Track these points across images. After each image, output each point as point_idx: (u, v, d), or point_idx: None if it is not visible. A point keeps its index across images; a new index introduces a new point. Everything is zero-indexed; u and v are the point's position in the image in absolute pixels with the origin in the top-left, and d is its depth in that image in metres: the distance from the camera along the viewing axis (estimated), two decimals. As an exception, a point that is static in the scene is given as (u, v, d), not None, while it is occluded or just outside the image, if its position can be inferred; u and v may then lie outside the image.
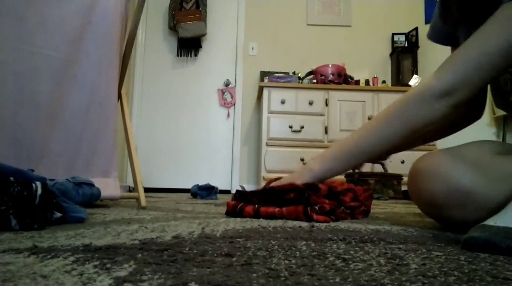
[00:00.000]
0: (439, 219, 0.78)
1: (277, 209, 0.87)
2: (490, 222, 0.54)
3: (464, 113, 0.88)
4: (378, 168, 2.90)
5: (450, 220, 0.72)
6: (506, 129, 3.27)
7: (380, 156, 0.84)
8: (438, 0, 0.91)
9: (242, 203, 0.94)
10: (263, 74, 3.62)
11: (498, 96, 0.84)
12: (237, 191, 1.00)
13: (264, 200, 0.92)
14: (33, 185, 0.64)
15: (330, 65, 3.39)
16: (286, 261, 0.41)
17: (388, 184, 2.73)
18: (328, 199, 0.90)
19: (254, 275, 0.34)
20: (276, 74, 3.47)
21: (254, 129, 3.77)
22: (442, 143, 3.35)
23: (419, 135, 0.78)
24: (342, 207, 0.93)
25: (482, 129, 3.29)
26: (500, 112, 3.14)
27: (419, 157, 0.76)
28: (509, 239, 0.49)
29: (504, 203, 0.60)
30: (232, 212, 0.94)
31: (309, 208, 0.84)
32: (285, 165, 3.16)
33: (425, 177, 0.71)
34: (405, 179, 2.72)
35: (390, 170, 2.80)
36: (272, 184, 0.95)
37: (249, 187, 3.61)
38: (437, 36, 0.93)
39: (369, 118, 3.22)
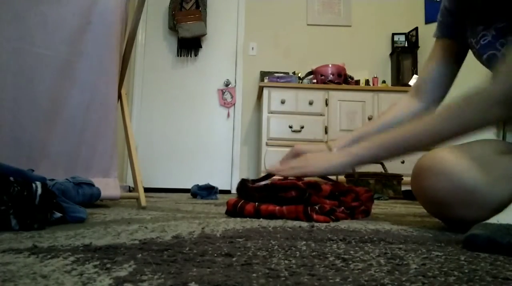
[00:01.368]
0: (442, 217, 0.78)
1: (277, 208, 0.87)
2: (493, 220, 0.54)
3: None
4: (378, 168, 2.90)
5: (453, 218, 0.72)
6: (506, 129, 3.27)
7: (422, 150, 0.81)
8: None
9: (242, 200, 0.94)
10: (263, 74, 3.61)
11: None
12: (241, 180, 0.99)
13: (265, 196, 0.92)
14: (33, 185, 0.64)
15: (330, 65, 3.39)
16: (286, 261, 0.41)
17: (388, 184, 2.72)
18: (329, 199, 0.90)
19: (254, 275, 0.34)
20: (276, 74, 3.47)
21: (254, 129, 3.77)
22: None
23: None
24: (342, 207, 0.93)
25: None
26: (500, 112, 3.14)
27: (420, 155, 0.76)
28: (510, 236, 0.49)
29: (507, 202, 0.61)
30: (232, 211, 0.94)
31: (309, 208, 0.84)
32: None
33: (429, 174, 0.71)
34: (405, 179, 2.72)
35: (390, 170, 2.80)
36: (301, 151, 0.91)
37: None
38: (442, 30, 0.92)
39: (369, 119, 3.22)
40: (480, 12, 0.80)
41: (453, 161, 0.69)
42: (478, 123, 0.71)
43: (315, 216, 0.83)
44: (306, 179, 0.90)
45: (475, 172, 0.67)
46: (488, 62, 0.82)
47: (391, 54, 3.82)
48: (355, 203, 0.99)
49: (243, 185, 0.97)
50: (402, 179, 2.75)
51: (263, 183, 0.97)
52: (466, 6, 0.83)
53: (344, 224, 0.81)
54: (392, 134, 0.82)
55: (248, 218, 0.88)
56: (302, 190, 0.85)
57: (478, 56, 0.85)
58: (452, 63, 0.94)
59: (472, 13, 0.82)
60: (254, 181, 1.01)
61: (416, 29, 3.68)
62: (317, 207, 0.84)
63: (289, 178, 0.92)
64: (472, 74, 0.95)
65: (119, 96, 1.43)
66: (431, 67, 0.96)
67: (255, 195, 0.93)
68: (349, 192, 1.00)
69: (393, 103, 1.03)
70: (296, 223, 0.79)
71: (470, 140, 0.79)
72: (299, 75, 3.51)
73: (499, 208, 0.59)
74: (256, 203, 0.91)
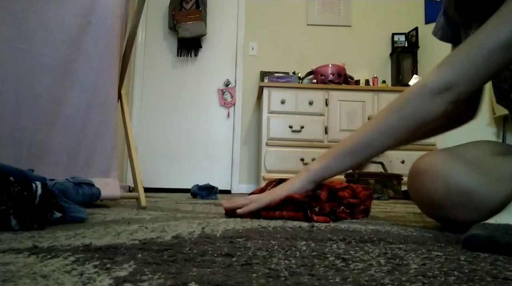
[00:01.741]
0: (439, 219, 0.78)
1: (277, 212, 0.87)
2: (491, 220, 0.54)
3: (459, 112, 0.88)
4: (378, 168, 2.90)
5: (450, 220, 0.72)
6: (506, 129, 3.27)
7: (379, 153, 0.84)
8: None
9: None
10: (263, 74, 3.62)
11: (499, 93, 0.84)
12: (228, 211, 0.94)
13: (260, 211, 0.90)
14: (33, 185, 0.64)
15: (330, 65, 3.39)
16: (286, 261, 0.41)
17: (388, 184, 2.73)
18: (328, 201, 0.89)
19: (254, 275, 0.34)
20: (276, 74, 3.47)
21: (254, 129, 3.77)
22: (442, 143, 3.36)
23: (419, 131, 0.77)
24: (342, 207, 0.93)
25: (482, 129, 3.29)
26: (500, 112, 3.14)
27: (419, 156, 0.76)
28: (509, 235, 0.49)
29: (504, 203, 0.60)
30: (231, 214, 0.94)
31: (308, 211, 0.84)
32: (285, 165, 3.16)
33: (425, 177, 0.71)
34: (405, 179, 2.72)
35: (390, 170, 2.81)
36: (271, 195, 0.89)
37: (248, 188, 3.61)
38: (441, 33, 0.93)
39: (369, 119, 3.22)
40: (472, 15, 0.80)
41: (448, 163, 0.69)
42: (425, 115, 0.72)
43: (315, 218, 0.83)
44: (278, 197, 0.87)
45: (471, 174, 0.67)
46: None
47: (391, 54, 3.82)
48: (354, 200, 0.98)
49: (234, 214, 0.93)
50: (402, 179, 2.75)
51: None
52: (459, 10, 0.83)
53: (344, 224, 0.81)
54: (344, 144, 0.84)
55: (248, 218, 0.88)
56: (300, 201, 0.84)
57: None
58: None
59: (465, 16, 0.82)
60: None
61: (416, 29, 3.68)
62: (316, 209, 0.84)
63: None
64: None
65: (119, 96, 1.43)
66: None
67: (249, 216, 0.91)
68: (345, 188, 0.99)
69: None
70: (296, 223, 0.79)
71: (465, 142, 0.79)
72: (299, 75, 3.51)
73: (496, 210, 0.59)
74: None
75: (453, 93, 0.69)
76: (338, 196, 0.93)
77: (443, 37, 0.93)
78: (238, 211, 0.89)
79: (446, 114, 0.72)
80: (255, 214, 0.89)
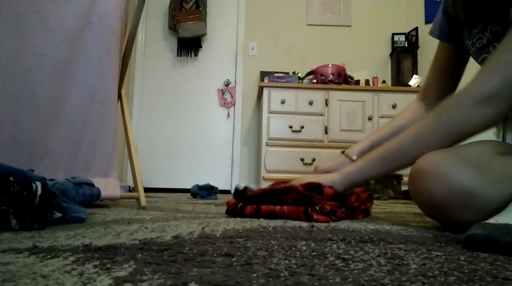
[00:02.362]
0: (439, 220, 0.78)
1: (278, 207, 0.87)
2: (492, 220, 0.54)
3: None
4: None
5: (451, 221, 0.72)
6: (506, 129, 3.27)
7: (414, 161, 0.81)
8: None
9: (241, 203, 0.94)
10: (263, 74, 3.61)
11: None
12: (236, 190, 0.99)
13: (263, 201, 0.91)
14: (33, 185, 0.64)
15: (330, 65, 3.39)
16: (286, 261, 0.41)
17: (388, 184, 2.73)
18: (330, 200, 0.90)
19: (254, 275, 0.34)
20: (276, 74, 3.47)
21: (254, 129, 3.77)
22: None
23: (462, 140, 0.76)
24: (343, 208, 0.93)
25: (482, 129, 3.29)
26: (500, 112, 3.14)
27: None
28: (510, 235, 0.49)
29: (505, 203, 0.60)
30: (232, 211, 0.94)
31: (309, 208, 0.84)
32: (285, 165, 3.16)
33: (426, 177, 0.71)
34: (405, 179, 2.72)
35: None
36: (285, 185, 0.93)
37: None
38: (438, 32, 0.93)
39: (369, 118, 3.22)
40: (477, 15, 0.80)
41: (450, 163, 0.69)
42: (465, 126, 0.71)
43: (315, 216, 0.83)
44: (306, 180, 0.90)
45: (473, 174, 0.66)
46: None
47: (391, 54, 3.82)
48: (357, 203, 0.99)
49: (239, 193, 0.96)
50: (402, 179, 2.75)
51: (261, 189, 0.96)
52: (466, 10, 0.83)
53: (344, 224, 0.81)
54: (381, 149, 0.84)
55: (248, 218, 0.88)
56: (302, 193, 0.85)
57: (475, 58, 0.86)
58: (455, 65, 0.95)
59: (469, 16, 0.82)
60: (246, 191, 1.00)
61: (416, 29, 3.68)
62: (317, 208, 0.84)
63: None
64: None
65: (119, 96, 1.43)
66: (436, 70, 0.97)
67: (254, 199, 0.93)
68: (351, 194, 1.00)
69: (406, 106, 1.05)
70: (296, 223, 0.79)
71: (467, 141, 0.79)
72: (299, 75, 3.51)
73: (498, 210, 0.59)
74: (255, 206, 0.91)
75: (498, 103, 0.67)
76: (343, 201, 0.94)
77: (441, 36, 0.93)
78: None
79: (493, 124, 0.71)
80: (256, 212, 0.89)
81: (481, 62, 0.83)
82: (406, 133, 0.81)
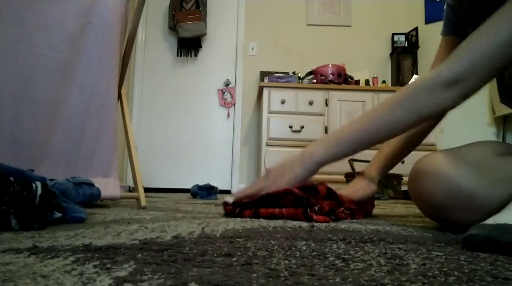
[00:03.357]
0: (439, 220, 0.78)
1: (277, 209, 0.87)
2: (490, 221, 0.54)
3: None
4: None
5: (451, 222, 0.72)
6: (506, 129, 3.27)
7: (381, 143, 0.85)
8: None
9: (239, 208, 0.93)
10: (263, 74, 3.62)
11: (503, 92, 0.84)
12: (225, 202, 0.95)
13: (260, 206, 0.90)
14: (33, 185, 0.64)
15: (330, 65, 3.39)
16: (286, 261, 0.41)
17: (388, 184, 2.73)
18: (326, 200, 0.89)
19: (254, 275, 0.34)
20: (276, 74, 3.47)
21: (254, 129, 3.77)
22: (442, 143, 3.34)
23: (422, 125, 0.78)
24: (342, 208, 0.93)
25: (482, 129, 3.30)
26: (500, 112, 3.14)
27: (420, 157, 0.76)
28: (508, 234, 0.49)
29: (505, 204, 0.60)
30: (230, 215, 0.94)
31: (308, 209, 0.84)
32: (285, 165, 3.15)
33: (426, 178, 0.71)
34: (405, 179, 2.72)
35: (390, 170, 2.80)
36: (275, 184, 0.89)
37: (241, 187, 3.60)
38: (449, 28, 0.93)
39: (369, 118, 3.22)
40: (481, 8, 0.80)
41: (449, 164, 0.69)
42: (432, 107, 0.73)
43: (315, 217, 0.83)
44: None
45: (472, 175, 0.66)
46: None
47: (391, 54, 3.82)
48: (354, 206, 0.98)
49: (233, 203, 0.93)
50: (402, 179, 2.75)
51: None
52: (468, 3, 0.83)
53: (344, 224, 0.81)
54: (348, 131, 0.84)
55: (248, 218, 0.88)
56: (299, 197, 0.85)
57: None
58: None
59: (473, 10, 0.82)
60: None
61: (416, 29, 3.68)
62: (316, 208, 0.84)
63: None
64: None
65: (119, 96, 1.43)
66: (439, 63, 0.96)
67: (250, 204, 0.91)
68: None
69: None
70: (296, 223, 0.79)
71: (465, 142, 0.79)
72: (299, 75, 3.51)
73: (497, 211, 0.59)
74: (253, 210, 0.90)
75: (462, 87, 0.69)
76: (337, 196, 0.93)
77: (447, 32, 0.93)
78: (237, 196, 0.91)
79: (453, 107, 0.72)
80: (255, 214, 0.89)
81: None
82: (375, 116, 0.80)
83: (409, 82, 3.40)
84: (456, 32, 0.91)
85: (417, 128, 0.94)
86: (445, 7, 0.94)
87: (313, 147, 0.87)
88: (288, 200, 0.86)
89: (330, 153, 0.85)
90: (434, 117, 0.83)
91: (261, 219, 0.87)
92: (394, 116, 0.77)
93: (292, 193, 0.85)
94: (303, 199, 0.84)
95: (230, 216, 0.94)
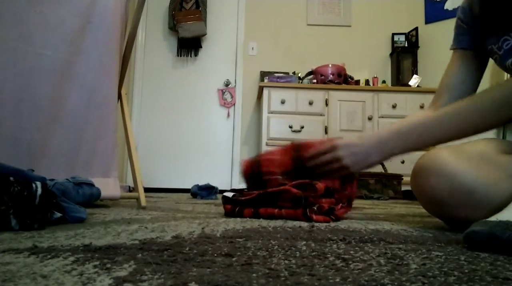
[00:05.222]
0: (441, 217, 0.78)
1: (276, 210, 0.87)
2: (492, 218, 0.54)
3: None
4: (378, 168, 2.90)
5: (453, 218, 0.72)
6: (506, 129, 3.27)
7: (481, 131, 0.77)
8: (462, 6, 0.91)
9: (238, 207, 0.93)
10: (263, 74, 3.61)
11: None
12: (224, 196, 0.95)
13: (259, 203, 0.90)
14: (33, 185, 0.64)
15: (330, 65, 3.39)
16: (286, 261, 0.41)
17: (388, 184, 2.72)
18: (325, 197, 0.89)
19: (254, 275, 0.34)
20: (276, 74, 3.47)
21: (254, 129, 3.77)
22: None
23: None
24: (340, 204, 0.92)
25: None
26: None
27: (421, 155, 0.76)
28: (510, 231, 0.49)
29: (507, 202, 0.60)
30: (230, 214, 0.94)
31: (308, 210, 0.84)
32: (285, 165, 3.15)
33: (429, 174, 0.71)
34: (405, 179, 2.72)
35: (390, 170, 2.80)
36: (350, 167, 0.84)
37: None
38: (460, 42, 0.91)
39: (369, 119, 3.22)
40: (503, 16, 0.79)
41: (453, 161, 0.69)
42: None
43: (315, 217, 0.83)
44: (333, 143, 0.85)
45: (475, 172, 0.66)
46: None
47: (391, 54, 3.82)
48: (345, 193, 0.95)
49: (231, 199, 0.93)
50: (402, 179, 2.75)
51: (255, 192, 0.92)
52: (488, 12, 0.82)
53: (344, 224, 0.81)
54: (437, 114, 0.78)
55: (248, 218, 0.88)
56: (297, 196, 0.84)
57: (501, 61, 0.83)
58: (473, 71, 0.91)
59: (493, 19, 0.81)
60: (240, 191, 0.98)
61: (416, 29, 3.68)
62: (315, 208, 0.84)
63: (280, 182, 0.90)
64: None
65: (119, 96, 1.43)
66: (451, 73, 0.92)
67: (249, 202, 0.91)
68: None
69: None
70: (296, 223, 0.79)
71: (466, 140, 0.79)
72: (299, 75, 3.51)
73: (500, 208, 0.59)
74: (253, 209, 0.90)
75: None
76: (335, 193, 0.91)
77: (458, 46, 0.92)
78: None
79: None
80: (254, 213, 0.89)
81: (510, 66, 0.80)
82: (466, 118, 0.74)
83: (410, 83, 3.37)
84: (469, 46, 0.90)
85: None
86: (455, 21, 0.93)
87: (392, 138, 0.82)
88: (287, 198, 0.86)
89: (407, 148, 0.81)
90: None
91: (261, 219, 0.87)
92: (483, 122, 0.74)
93: (289, 192, 0.85)
94: (301, 198, 0.84)
95: (230, 215, 0.94)
